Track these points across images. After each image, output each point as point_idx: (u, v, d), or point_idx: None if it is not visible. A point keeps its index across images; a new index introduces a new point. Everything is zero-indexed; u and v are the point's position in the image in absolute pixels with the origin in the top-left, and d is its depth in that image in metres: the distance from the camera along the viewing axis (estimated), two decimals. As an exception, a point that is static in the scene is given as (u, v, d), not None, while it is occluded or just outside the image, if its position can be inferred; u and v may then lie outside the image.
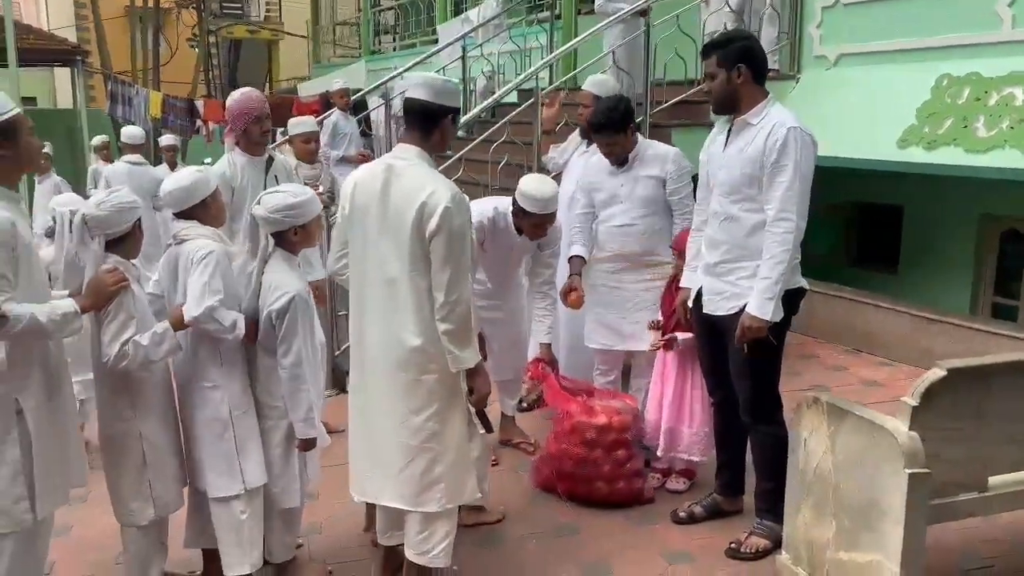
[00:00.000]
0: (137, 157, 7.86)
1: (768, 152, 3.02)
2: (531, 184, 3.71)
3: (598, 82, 4.71)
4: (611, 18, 6.29)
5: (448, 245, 2.64)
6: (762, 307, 3.04)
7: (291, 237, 2.97)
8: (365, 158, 7.77)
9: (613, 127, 3.87)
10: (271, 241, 2.97)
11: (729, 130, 3.23)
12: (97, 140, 8.36)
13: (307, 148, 5.48)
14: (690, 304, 3.42)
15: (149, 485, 2.86)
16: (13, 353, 2.52)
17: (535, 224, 3.75)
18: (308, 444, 3.00)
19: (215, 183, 3.07)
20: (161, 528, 2.98)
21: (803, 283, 3.22)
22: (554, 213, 3.76)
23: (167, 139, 9.10)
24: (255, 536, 3.01)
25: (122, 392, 2.82)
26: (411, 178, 2.71)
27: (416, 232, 2.66)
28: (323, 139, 7.01)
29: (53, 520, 2.82)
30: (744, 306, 3.10)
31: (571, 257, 4.03)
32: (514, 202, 3.77)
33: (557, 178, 4.65)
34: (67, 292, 2.76)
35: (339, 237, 2.97)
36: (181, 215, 2.96)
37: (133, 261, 2.88)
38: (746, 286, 3.12)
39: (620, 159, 3.97)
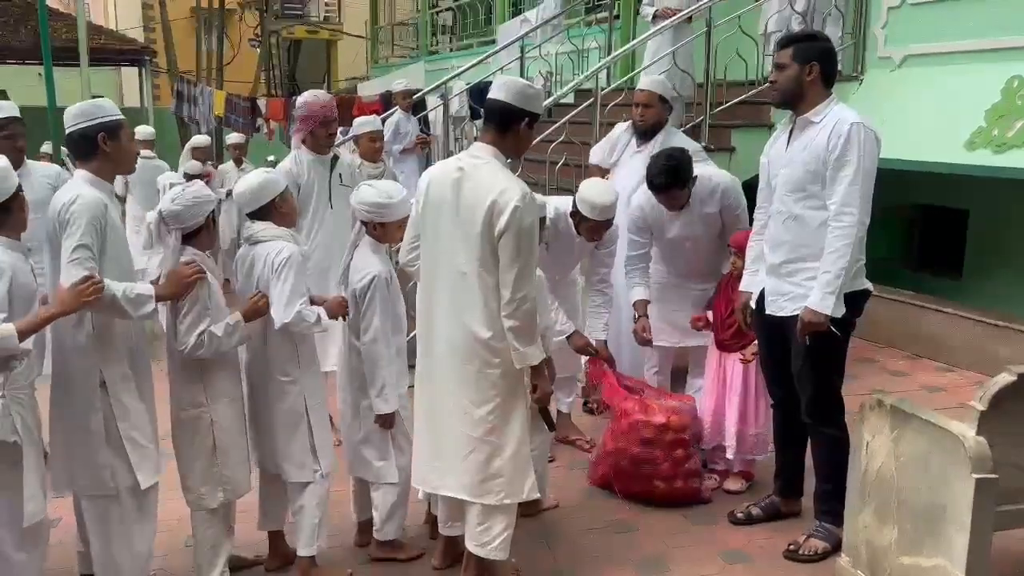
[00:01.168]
0: (147, 152, 8.20)
1: (831, 147, 3.01)
2: (592, 190, 3.76)
3: (658, 83, 4.70)
4: (664, 23, 6.27)
5: (516, 244, 2.69)
6: (823, 301, 3.01)
7: (371, 230, 3.18)
8: (425, 141, 7.97)
9: (680, 185, 3.82)
10: (363, 229, 3.18)
11: (791, 130, 3.22)
12: (197, 141, 8.92)
13: (373, 146, 5.79)
14: (752, 306, 3.42)
15: (219, 469, 2.96)
16: (98, 327, 2.69)
17: (591, 228, 3.81)
18: (384, 420, 3.14)
19: (284, 184, 3.18)
20: (228, 511, 3.08)
21: (868, 285, 3.19)
22: (611, 220, 3.81)
23: (234, 137, 9.33)
24: (325, 520, 3.15)
25: (196, 379, 2.93)
26: (483, 176, 2.77)
27: (486, 229, 2.71)
28: (385, 138, 7.13)
29: (157, 493, 2.93)
30: (809, 306, 3.08)
31: (636, 301, 4.05)
32: (573, 203, 3.82)
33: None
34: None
35: (411, 230, 3.10)
36: (253, 215, 3.08)
37: (207, 252, 2.99)
38: (811, 287, 3.09)
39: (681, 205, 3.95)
